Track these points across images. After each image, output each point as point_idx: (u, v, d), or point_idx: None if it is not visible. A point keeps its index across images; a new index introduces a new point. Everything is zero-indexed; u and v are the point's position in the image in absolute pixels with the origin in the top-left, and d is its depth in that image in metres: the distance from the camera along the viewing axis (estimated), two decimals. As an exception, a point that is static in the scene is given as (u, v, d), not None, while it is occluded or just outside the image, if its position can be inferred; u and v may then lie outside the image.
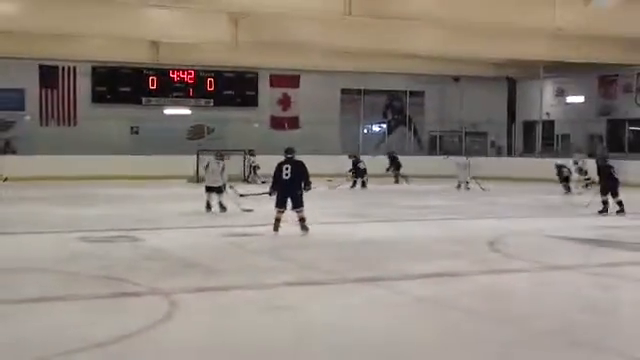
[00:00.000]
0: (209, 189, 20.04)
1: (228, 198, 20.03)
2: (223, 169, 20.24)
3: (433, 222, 18.77)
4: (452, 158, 33.71)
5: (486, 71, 41.65)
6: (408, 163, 35.74)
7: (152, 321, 7.94)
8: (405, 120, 45.06)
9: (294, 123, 41.89)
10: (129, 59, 37.34)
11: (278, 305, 9.02)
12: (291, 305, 9.06)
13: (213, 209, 19.85)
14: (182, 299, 9.05)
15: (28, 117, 37.02)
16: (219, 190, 19.91)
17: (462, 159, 32.01)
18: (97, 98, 38.49)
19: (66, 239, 14.44)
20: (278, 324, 8.13)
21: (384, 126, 45.13)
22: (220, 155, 21.02)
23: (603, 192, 20.40)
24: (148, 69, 38.95)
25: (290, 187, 15.85)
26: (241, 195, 20.60)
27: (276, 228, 15.59)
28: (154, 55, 36.64)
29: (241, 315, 8.49)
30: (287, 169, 15.86)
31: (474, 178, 29.37)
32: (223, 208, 19.86)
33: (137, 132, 38.79)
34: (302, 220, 15.81)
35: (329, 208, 21.19)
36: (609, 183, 20.39)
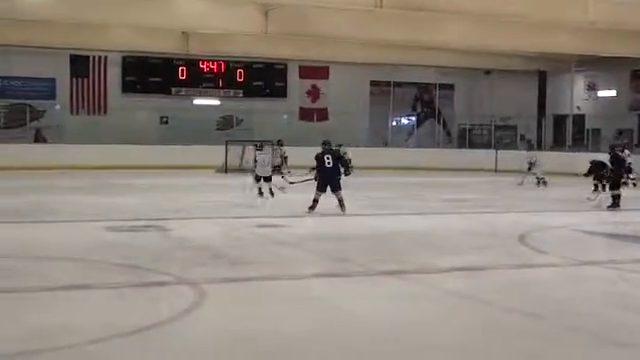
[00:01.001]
0: (261, 178, 21.39)
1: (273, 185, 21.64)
2: (269, 159, 22.07)
3: (463, 215, 18.66)
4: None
5: (517, 64, 41.30)
6: (437, 156, 35.63)
7: (180, 310, 7.95)
8: (434, 113, 44.89)
9: (323, 115, 41.86)
10: (159, 49, 37.44)
11: (306, 296, 9.00)
12: (319, 296, 9.03)
13: (265, 195, 21.27)
14: (210, 289, 9.05)
15: (58, 106, 37.23)
16: (269, 179, 21.47)
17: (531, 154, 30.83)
18: (127, 88, 38.66)
19: (95, 228, 14.50)
20: (305, 315, 8.09)
21: (413, 119, 44.97)
22: (261, 146, 22.55)
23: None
24: (178, 59, 39.07)
25: (332, 173, 18.23)
26: (291, 183, 22.61)
27: (313, 207, 17.71)
28: (184, 45, 36.72)
29: (268, 306, 8.47)
30: (328, 158, 18.28)
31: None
32: (272, 194, 21.32)
33: (166, 122, 38.91)
34: (341, 201, 17.93)
35: (360, 200, 21.14)
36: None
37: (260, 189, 21.48)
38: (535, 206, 21.30)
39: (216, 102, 40.02)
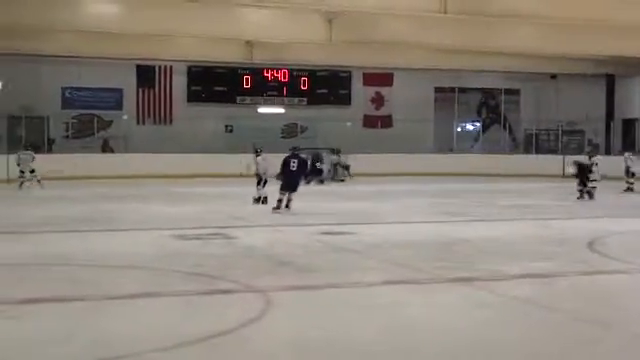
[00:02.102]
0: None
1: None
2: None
3: (530, 222, 18.40)
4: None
5: (584, 68, 40.74)
6: (503, 161, 35.31)
7: (248, 318, 7.93)
8: (500, 118, 44.51)
9: (387, 122, 41.76)
10: (224, 58, 37.73)
11: (374, 304, 8.93)
12: (387, 304, 8.96)
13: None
14: (277, 297, 9.03)
15: (125, 116, 37.69)
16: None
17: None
18: (192, 97, 39.03)
19: (162, 236, 14.60)
20: (373, 323, 8.02)
21: (478, 124, 44.65)
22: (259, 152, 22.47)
23: None
24: (242, 68, 39.33)
25: (295, 176, 20.06)
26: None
27: (279, 207, 19.47)
28: (248, 54, 36.99)
29: (335, 314, 8.42)
30: (294, 162, 20.01)
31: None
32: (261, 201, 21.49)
33: (231, 131, 39.15)
34: (290, 201, 19.70)
35: (426, 206, 21.03)
36: None
37: (260, 197, 21.47)
38: (604, 212, 20.94)
39: (280, 110, 40.16)
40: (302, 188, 21.73)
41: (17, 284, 9.56)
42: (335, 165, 33.95)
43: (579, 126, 43.49)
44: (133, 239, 14.71)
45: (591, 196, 24.04)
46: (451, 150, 41.40)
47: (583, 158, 25.58)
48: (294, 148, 21.26)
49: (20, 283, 9.69)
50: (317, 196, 22.76)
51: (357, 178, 31.66)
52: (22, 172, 27.96)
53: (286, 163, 20.18)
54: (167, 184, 29.21)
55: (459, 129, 43.77)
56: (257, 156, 22.19)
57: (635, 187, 26.95)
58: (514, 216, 19.76)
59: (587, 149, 30.15)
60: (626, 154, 29.33)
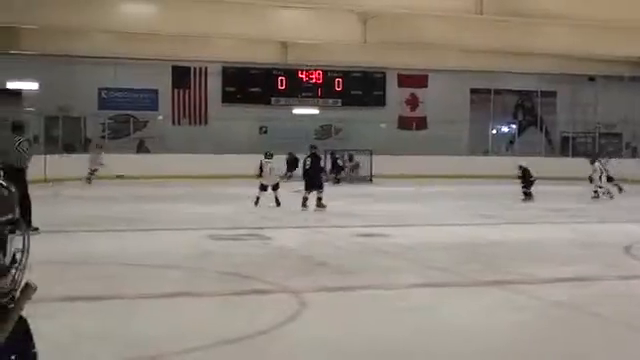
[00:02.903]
0: (267, 187, 21.78)
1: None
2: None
3: (566, 225, 18.32)
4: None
5: (622, 70, 40.42)
6: (538, 164, 35.09)
7: (282, 319, 7.99)
8: (536, 120, 44.30)
9: (422, 123, 41.70)
10: (258, 59, 37.84)
11: (408, 306, 8.95)
12: (419, 306, 8.98)
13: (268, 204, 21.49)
14: (311, 298, 9.08)
15: (161, 117, 37.96)
16: (276, 187, 21.84)
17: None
18: (227, 98, 39.22)
19: (198, 236, 14.71)
20: (407, 325, 8.05)
21: (514, 126, 44.46)
22: (270, 155, 22.69)
23: None
24: (277, 69, 39.44)
25: (310, 174, 21.04)
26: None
27: (305, 205, 20.54)
28: (283, 55, 37.09)
29: (369, 315, 8.46)
30: (308, 161, 21.28)
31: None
32: (278, 203, 21.55)
33: (266, 132, 39.29)
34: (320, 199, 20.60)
35: (460, 209, 21.01)
36: None
37: (258, 198, 21.37)
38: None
39: (315, 111, 40.22)
40: (333, 189, 21.86)
41: (54, 282, 9.65)
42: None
43: (616, 129, 43.17)
44: (169, 239, 14.84)
45: (528, 197, 25.18)
46: (486, 152, 41.27)
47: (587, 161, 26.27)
48: (311, 147, 22.62)
49: (57, 281, 9.79)
50: (351, 198, 22.79)
51: (392, 180, 31.58)
52: (92, 170, 29.98)
53: (304, 163, 21.75)
54: (202, 184, 29.35)
55: (494, 131, 43.60)
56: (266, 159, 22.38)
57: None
58: (549, 219, 19.68)
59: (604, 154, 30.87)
60: (603, 160, 29.41)
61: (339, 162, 33.62)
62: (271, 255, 12.70)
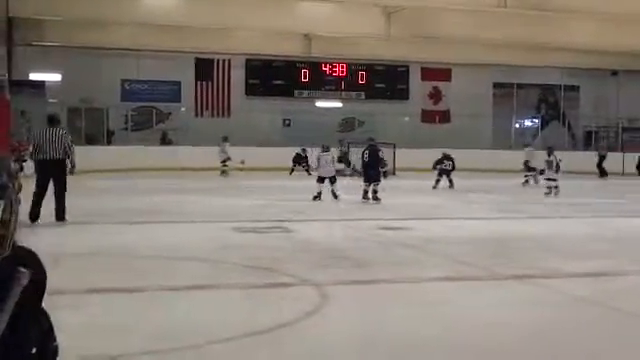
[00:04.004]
0: (324, 179, 21.78)
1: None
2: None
3: (589, 219, 18.26)
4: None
5: (646, 64, 40.20)
6: (561, 158, 34.96)
7: (304, 312, 7.98)
8: (559, 115, 44.11)
9: (445, 117, 41.62)
10: (282, 52, 37.86)
11: (430, 300, 8.92)
12: (443, 300, 8.94)
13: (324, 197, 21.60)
14: (333, 291, 9.07)
15: (184, 109, 38.05)
16: (333, 179, 21.83)
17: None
18: (250, 90, 39.24)
19: (222, 229, 14.73)
20: (430, 318, 8.02)
21: (537, 120, 44.30)
22: (327, 148, 22.94)
23: None
24: (301, 62, 39.40)
25: (368, 167, 21.74)
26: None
27: (366, 197, 21.12)
28: (307, 48, 37.08)
29: (392, 308, 8.43)
30: (366, 154, 21.93)
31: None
32: (335, 196, 21.50)
33: (289, 124, 39.30)
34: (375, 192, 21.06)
35: (483, 203, 20.96)
36: None
37: (320, 192, 21.36)
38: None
39: (338, 104, 40.22)
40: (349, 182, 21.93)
41: (79, 274, 9.71)
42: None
43: (639, 123, 42.94)
44: (193, 231, 14.86)
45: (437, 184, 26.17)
46: (509, 147, 41.12)
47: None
48: (369, 139, 23.28)
49: (82, 273, 9.85)
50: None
51: (415, 173, 31.51)
52: (223, 161, 31.65)
53: (362, 156, 22.40)
54: (225, 177, 29.40)
55: (517, 125, 43.47)
56: (323, 152, 22.56)
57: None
58: (571, 213, 19.62)
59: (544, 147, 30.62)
60: (527, 149, 31.06)
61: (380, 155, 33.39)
62: (294, 248, 12.69)
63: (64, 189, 14.82)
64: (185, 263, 11.18)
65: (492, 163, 34.99)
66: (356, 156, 33.09)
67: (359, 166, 23.04)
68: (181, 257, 11.55)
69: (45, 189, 14.79)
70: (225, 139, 32.33)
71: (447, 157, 26.82)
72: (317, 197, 21.22)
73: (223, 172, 31.44)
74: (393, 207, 19.89)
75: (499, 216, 18.72)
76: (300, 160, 33.91)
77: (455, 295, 9.31)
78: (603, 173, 35.01)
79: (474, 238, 14.36)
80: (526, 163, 30.05)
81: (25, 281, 2.43)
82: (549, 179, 24.70)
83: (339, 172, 25.08)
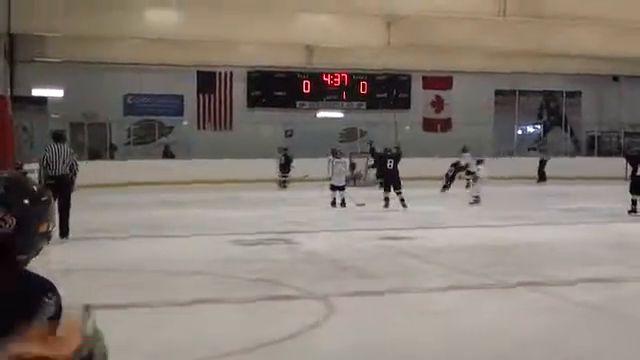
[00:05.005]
0: (337, 188, 22.57)
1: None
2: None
3: (593, 225, 18.19)
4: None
5: (647, 69, 40.16)
6: (564, 164, 35.01)
7: (309, 324, 7.95)
8: (561, 121, 44.07)
9: (447, 125, 41.54)
10: (283, 63, 37.83)
11: (433, 310, 8.89)
12: (446, 309, 8.91)
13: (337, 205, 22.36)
14: (338, 302, 9.04)
15: (186, 122, 38.01)
16: (343, 188, 22.57)
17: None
18: (252, 102, 39.16)
19: (224, 242, 14.69)
20: (436, 328, 7.99)
21: (539, 127, 44.25)
22: (340, 155, 23.90)
23: None
24: (302, 73, 39.35)
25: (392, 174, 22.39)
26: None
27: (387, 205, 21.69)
28: (308, 59, 37.07)
29: (397, 319, 8.40)
30: (390, 162, 22.45)
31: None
32: (343, 205, 22.21)
33: (291, 135, 39.24)
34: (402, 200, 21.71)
35: (483, 210, 20.90)
36: None
37: (335, 199, 22.30)
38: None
39: (340, 115, 40.19)
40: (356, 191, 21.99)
41: (80, 290, 9.66)
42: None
43: (641, 128, 42.91)
44: (195, 245, 14.82)
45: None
46: (511, 153, 41.06)
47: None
48: (395, 148, 24.19)
49: (83, 289, 9.81)
50: (377, 200, 22.69)
51: (418, 182, 31.47)
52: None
53: (383, 162, 22.93)
54: (228, 189, 29.37)
55: (520, 132, 43.43)
56: (335, 158, 23.30)
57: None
58: (576, 220, 19.53)
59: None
60: (464, 154, 30.95)
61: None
62: (297, 260, 12.66)
63: (69, 205, 14.86)
64: (187, 277, 11.15)
65: (494, 170, 34.78)
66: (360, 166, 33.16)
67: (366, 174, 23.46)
68: (183, 271, 11.52)
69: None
70: (281, 149, 33.52)
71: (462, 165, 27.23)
72: (334, 204, 22.06)
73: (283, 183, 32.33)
74: (396, 217, 19.87)
75: (503, 224, 18.63)
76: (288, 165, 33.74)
77: (460, 304, 9.28)
78: (542, 178, 35.32)
79: (479, 246, 14.33)
80: (465, 167, 30.21)
81: (50, 313, 2.44)
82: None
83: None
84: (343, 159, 23.31)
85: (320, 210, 21.69)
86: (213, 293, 9.87)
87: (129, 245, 14.69)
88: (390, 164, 22.43)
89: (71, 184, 15.17)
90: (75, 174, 15.23)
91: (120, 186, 29.50)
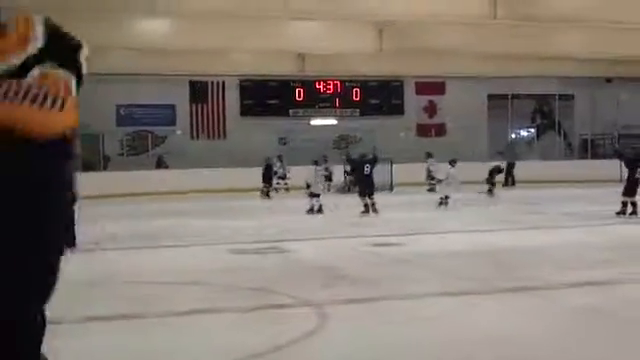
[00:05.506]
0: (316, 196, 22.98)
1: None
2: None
3: (588, 228, 18.22)
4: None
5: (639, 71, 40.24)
6: (558, 168, 35.09)
7: (303, 333, 7.94)
8: (554, 124, 44.16)
9: (440, 130, 41.69)
10: (276, 72, 37.93)
11: (427, 316, 8.88)
12: (440, 315, 8.89)
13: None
14: (332, 311, 9.03)
15: (179, 132, 38.06)
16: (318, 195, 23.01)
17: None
18: (245, 111, 39.29)
19: (219, 251, 14.72)
20: (432, 335, 7.97)
21: (532, 131, 44.35)
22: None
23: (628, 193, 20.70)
24: (294, 81, 39.47)
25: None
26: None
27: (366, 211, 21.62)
28: (300, 67, 37.15)
29: (392, 327, 8.38)
30: (367, 167, 22.38)
31: None
32: (320, 211, 22.68)
33: (285, 143, 39.30)
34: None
35: (481, 215, 20.94)
36: None
37: (313, 206, 22.70)
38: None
39: (333, 122, 40.29)
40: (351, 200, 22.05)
41: (75, 303, 9.69)
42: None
43: (636, 130, 42.94)
44: (190, 255, 14.83)
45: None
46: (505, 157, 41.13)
47: None
48: (363, 155, 24.22)
49: (78, 301, 9.81)
50: (356, 207, 22.79)
51: (412, 188, 31.56)
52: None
53: (360, 168, 22.79)
54: (222, 199, 29.39)
55: (513, 136, 43.52)
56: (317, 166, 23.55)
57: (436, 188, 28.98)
58: (570, 223, 19.58)
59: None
60: (429, 159, 32.52)
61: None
62: (291, 268, 12.66)
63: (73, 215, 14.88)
64: (182, 287, 11.14)
65: (468, 176, 34.90)
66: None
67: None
68: (178, 282, 11.51)
69: None
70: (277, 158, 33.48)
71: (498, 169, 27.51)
72: (311, 211, 22.24)
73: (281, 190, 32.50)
74: (388, 223, 19.88)
75: (496, 228, 18.65)
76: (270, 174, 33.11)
77: (454, 310, 9.27)
78: (509, 182, 35.55)
79: (472, 251, 14.34)
80: (429, 174, 31.72)
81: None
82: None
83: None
84: (324, 167, 23.45)
85: (312, 218, 21.78)
86: (208, 303, 9.86)
87: (124, 256, 14.68)
88: (367, 169, 22.41)
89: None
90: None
91: (114, 197, 29.51)
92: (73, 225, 11.88)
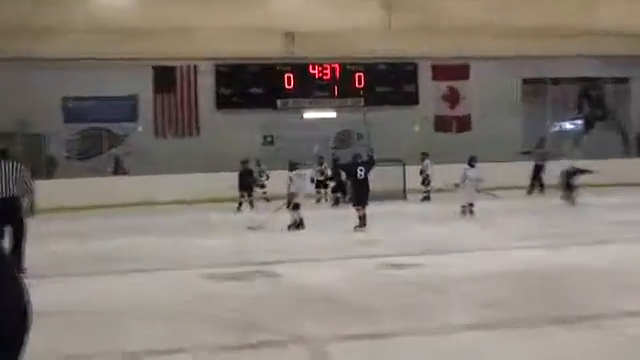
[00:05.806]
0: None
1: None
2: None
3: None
4: None
5: None
6: (610, 168, 35.08)
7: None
8: (606, 114, 44.19)
9: (464, 124, 41.66)
10: (258, 54, 37.89)
11: (452, 354, 8.88)
12: (472, 354, 8.90)
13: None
14: (333, 349, 9.04)
15: (141, 128, 38.01)
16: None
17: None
18: (222, 103, 39.23)
19: (192, 277, 14.74)
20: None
21: (579, 122, 44.35)
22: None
23: None
24: (283, 65, 39.41)
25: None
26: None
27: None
28: (289, 48, 37.13)
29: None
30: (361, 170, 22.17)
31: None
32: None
33: (271, 142, 39.28)
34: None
35: (516, 228, 20.96)
36: None
37: (295, 220, 23.06)
38: None
39: (331, 115, 40.22)
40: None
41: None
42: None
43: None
44: (156, 281, 14.81)
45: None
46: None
47: None
48: (356, 156, 23.91)
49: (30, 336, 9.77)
50: (379, 219, 22.75)
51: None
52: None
53: (352, 172, 22.64)
54: (195, 211, 29.39)
55: (554, 129, 43.52)
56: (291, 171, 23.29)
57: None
58: (627, 236, 19.53)
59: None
60: (425, 161, 33.13)
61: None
62: (282, 296, 12.66)
63: (22, 234, 14.96)
64: (149, 322, 11.11)
65: (523, 178, 34.92)
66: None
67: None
68: (144, 315, 11.50)
69: (2, 234, 14.90)
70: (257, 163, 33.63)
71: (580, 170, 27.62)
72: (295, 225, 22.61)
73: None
74: (400, 239, 19.86)
75: (535, 244, 18.53)
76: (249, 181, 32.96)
77: (488, 347, 9.26)
78: (534, 187, 35.42)
79: (500, 273, 14.30)
80: (425, 179, 32.78)
81: None
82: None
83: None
84: (303, 172, 23.39)
85: (304, 234, 21.76)
86: (180, 341, 9.83)
87: (79, 283, 14.69)
88: (361, 173, 22.25)
89: (24, 209, 15.25)
90: (26, 196, 15.30)
91: (60, 211, 29.48)
92: (21, 251, 11.79)
